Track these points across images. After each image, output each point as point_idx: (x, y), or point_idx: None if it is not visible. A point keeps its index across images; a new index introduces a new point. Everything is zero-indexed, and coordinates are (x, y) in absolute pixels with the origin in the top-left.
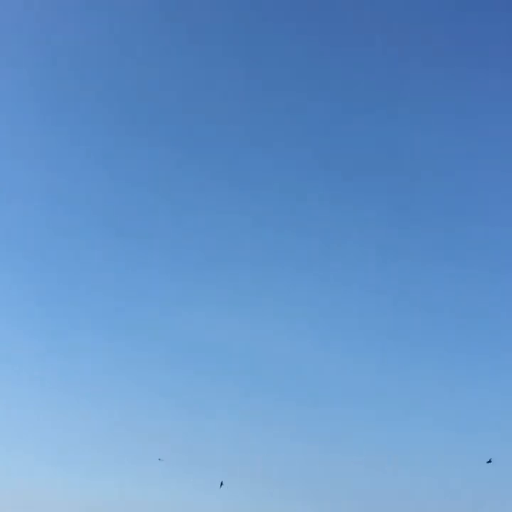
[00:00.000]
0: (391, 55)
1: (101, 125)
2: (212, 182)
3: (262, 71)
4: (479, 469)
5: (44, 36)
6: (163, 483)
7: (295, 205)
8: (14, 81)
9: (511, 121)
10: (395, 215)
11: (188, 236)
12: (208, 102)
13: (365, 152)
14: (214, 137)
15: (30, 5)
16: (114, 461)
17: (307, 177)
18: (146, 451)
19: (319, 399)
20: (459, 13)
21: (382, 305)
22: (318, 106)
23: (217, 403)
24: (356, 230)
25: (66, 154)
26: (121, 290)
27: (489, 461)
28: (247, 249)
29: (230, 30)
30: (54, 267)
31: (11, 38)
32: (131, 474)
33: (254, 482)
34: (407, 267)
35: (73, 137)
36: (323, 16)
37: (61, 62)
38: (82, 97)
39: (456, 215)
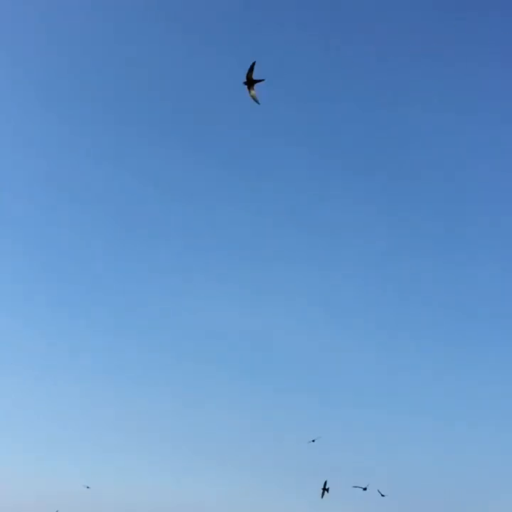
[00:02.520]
0: (392, 53)
1: (104, 120)
2: (213, 178)
3: (263, 70)
4: (478, 464)
5: (46, 29)
6: (165, 476)
7: (297, 200)
8: (17, 74)
9: None
10: (398, 210)
11: (191, 229)
12: (210, 98)
13: (367, 149)
14: (216, 136)
15: (31, 2)
16: (113, 454)
17: (309, 173)
18: (146, 444)
19: (321, 394)
20: (459, 10)
21: (383, 302)
22: (320, 106)
23: (219, 396)
24: (359, 225)
25: (69, 149)
26: (124, 283)
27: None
28: (250, 243)
29: (233, 23)
30: (56, 262)
31: (13, 32)
32: (131, 468)
33: (256, 475)
34: (410, 266)
35: (76, 131)
36: (325, 13)
37: (65, 55)
38: (85, 91)
39: (457, 214)
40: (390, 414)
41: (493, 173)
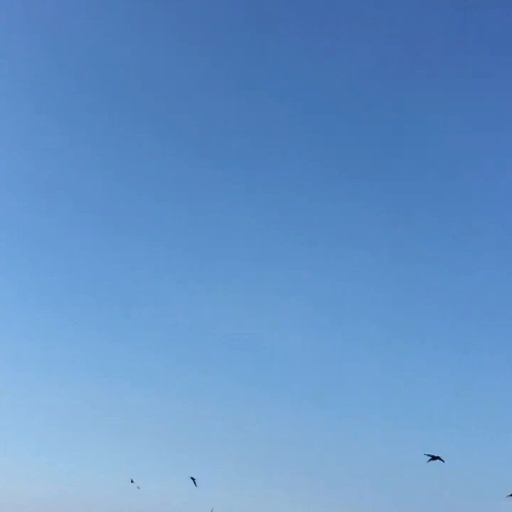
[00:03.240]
0: (394, 56)
1: (104, 123)
2: (213, 178)
3: (265, 74)
4: (479, 465)
5: (45, 30)
6: (165, 476)
7: (298, 203)
8: (14, 76)
9: None
10: (400, 215)
11: (190, 229)
12: (211, 101)
13: (370, 154)
14: (217, 138)
15: (28, 4)
16: (114, 454)
17: (309, 174)
18: (146, 444)
19: (320, 394)
20: (461, 14)
21: (384, 304)
22: (321, 109)
23: (219, 396)
24: (361, 229)
25: (69, 150)
26: (124, 284)
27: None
28: (249, 246)
29: (237, 31)
30: (56, 264)
31: (12, 31)
32: (131, 468)
33: (255, 475)
34: (412, 271)
35: (75, 133)
36: (326, 17)
37: (64, 62)
38: (84, 95)
39: (460, 218)
40: (389, 413)
41: (499, 183)
